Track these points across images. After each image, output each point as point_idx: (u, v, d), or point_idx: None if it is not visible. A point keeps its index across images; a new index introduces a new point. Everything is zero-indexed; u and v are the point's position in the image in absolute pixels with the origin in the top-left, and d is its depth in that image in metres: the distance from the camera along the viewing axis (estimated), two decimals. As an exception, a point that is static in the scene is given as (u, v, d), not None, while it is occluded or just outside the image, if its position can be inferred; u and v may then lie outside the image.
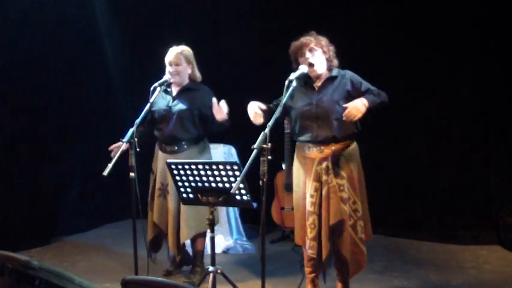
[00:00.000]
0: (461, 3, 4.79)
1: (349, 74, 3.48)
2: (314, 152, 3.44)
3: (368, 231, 3.52)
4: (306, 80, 3.49)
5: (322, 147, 3.41)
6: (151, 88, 3.72)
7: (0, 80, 4.93)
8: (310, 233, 3.40)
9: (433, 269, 4.31)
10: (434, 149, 5.07)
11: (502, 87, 4.67)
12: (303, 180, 3.49)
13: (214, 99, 3.70)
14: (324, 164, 3.39)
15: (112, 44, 6.02)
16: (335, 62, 3.51)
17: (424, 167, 5.10)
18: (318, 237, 3.40)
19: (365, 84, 3.42)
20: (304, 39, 3.44)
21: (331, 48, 3.49)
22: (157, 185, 4.01)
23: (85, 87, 5.70)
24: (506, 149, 4.71)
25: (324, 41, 3.46)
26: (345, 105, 3.29)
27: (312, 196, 3.41)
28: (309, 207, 3.42)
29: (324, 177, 3.38)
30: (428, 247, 4.89)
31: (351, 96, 3.38)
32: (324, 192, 3.38)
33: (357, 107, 3.23)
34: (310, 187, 3.43)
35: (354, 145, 3.49)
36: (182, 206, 3.86)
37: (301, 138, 3.50)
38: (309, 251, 3.42)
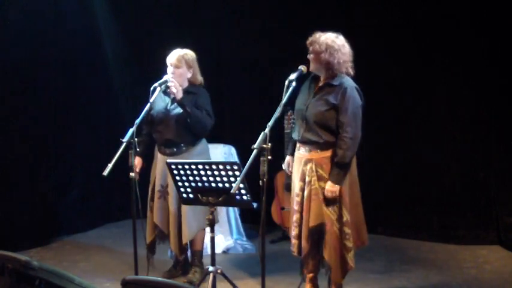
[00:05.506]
0: (461, 3, 4.79)
1: (349, 92, 3.31)
2: (302, 152, 3.45)
3: (362, 237, 3.48)
4: (312, 81, 3.49)
5: (308, 148, 3.41)
6: (151, 88, 3.72)
7: (0, 80, 4.93)
8: (293, 231, 3.44)
9: (433, 269, 4.31)
10: (435, 149, 5.07)
11: (502, 88, 4.68)
12: (294, 179, 3.54)
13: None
14: (309, 165, 3.39)
15: (112, 44, 6.02)
16: (343, 69, 3.35)
17: (424, 167, 5.10)
18: (299, 236, 3.42)
19: (348, 116, 3.27)
20: (312, 39, 3.37)
21: (341, 55, 3.31)
22: (157, 187, 4.02)
23: (85, 87, 5.69)
24: (506, 149, 4.71)
25: (331, 46, 3.30)
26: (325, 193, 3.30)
27: (297, 195, 3.45)
28: (294, 206, 3.47)
29: (307, 179, 3.38)
30: (428, 247, 4.89)
31: (334, 110, 3.31)
32: (306, 193, 3.39)
33: (331, 195, 3.28)
34: (296, 186, 3.47)
35: None
36: (183, 207, 3.87)
37: (294, 136, 3.56)
38: (292, 248, 3.46)
